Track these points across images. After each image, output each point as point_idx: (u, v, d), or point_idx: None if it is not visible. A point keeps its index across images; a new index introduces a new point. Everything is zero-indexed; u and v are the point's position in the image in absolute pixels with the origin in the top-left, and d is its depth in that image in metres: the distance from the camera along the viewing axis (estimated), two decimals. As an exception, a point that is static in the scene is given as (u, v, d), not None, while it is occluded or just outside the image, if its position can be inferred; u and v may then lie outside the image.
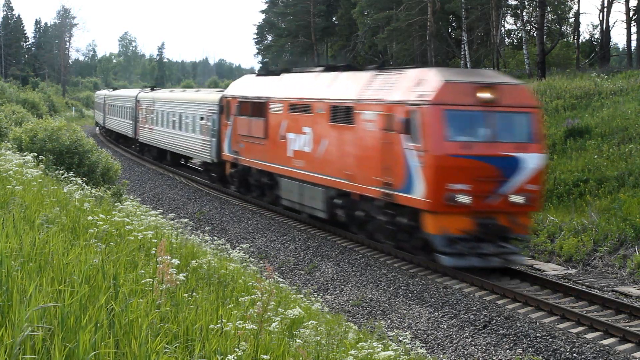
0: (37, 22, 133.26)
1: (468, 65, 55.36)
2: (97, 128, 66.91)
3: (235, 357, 4.82)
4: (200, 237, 13.58)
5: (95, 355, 4.41)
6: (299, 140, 20.29)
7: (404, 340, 8.76)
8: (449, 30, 69.15)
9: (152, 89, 44.91)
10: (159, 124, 37.12)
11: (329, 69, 21.09)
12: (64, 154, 18.49)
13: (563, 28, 63.27)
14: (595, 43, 63.61)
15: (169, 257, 6.30)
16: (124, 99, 47.63)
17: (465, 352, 12.51)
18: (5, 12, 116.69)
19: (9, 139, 19.84)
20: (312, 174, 19.66)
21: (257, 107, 23.24)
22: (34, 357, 4.16)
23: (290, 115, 20.96)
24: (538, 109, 16.35)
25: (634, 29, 53.69)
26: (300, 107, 20.41)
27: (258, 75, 26.61)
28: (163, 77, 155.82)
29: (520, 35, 59.79)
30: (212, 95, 29.40)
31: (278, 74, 23.68)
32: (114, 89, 66.31)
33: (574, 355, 11.60)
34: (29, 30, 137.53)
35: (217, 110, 27.41)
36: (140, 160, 41.34)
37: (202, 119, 29.54)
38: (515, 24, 65.44)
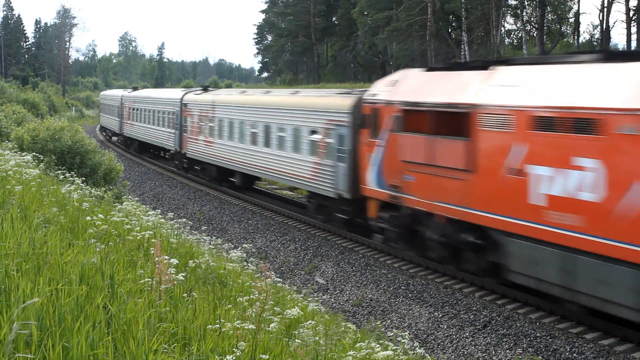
0: (37, 22, 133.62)
1: (468, 65, 55.35)
2: (101, 132, 59.63)
3: (234, 358, 4.81)
4: (199, 237, 13.57)
5: (93, 355, 4.41)
6: (564, 180, 12.14)
7: (402, 341, 8.75)
8: (449, 30, 69.21)
9: (206, 89, 33.92)
10: (224, 136, 27.55)
11: (616, 56, 12.39)
12: (65, 154, 18.49)
13: (563, 28, 63.31)
14: (595, 43, 63.67)
15: (167, 257, 6.30)
16: (160, 102, 37.22)
17: (465, 352, 12.51)
18: (5, 12, 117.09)
19: (10, 139, 19.85)
20: (604, 242, 11.46)
21: (447, 120, 15.03)
22: (32, 356, 4.15)
23: (536, 137, 12.69)
24: None
25: (634, 29, 53.71)
26: (564, 124, 12.14)
27: (432, 69, 16.82)
28: (163, 77, 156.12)
29: (520, 35, 59.80)
30: (334, 100, 20.13)
31: (485, 68, 14.84)
32: (135, 88, 52.97)
33: (574, 355, 11.60)
34: (29, 30, 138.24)
35: (348, 121, 18.76)
36: (186, 180, 33.25)
37: (313, 133, 20.66)
38: (515, 24, 65.47)
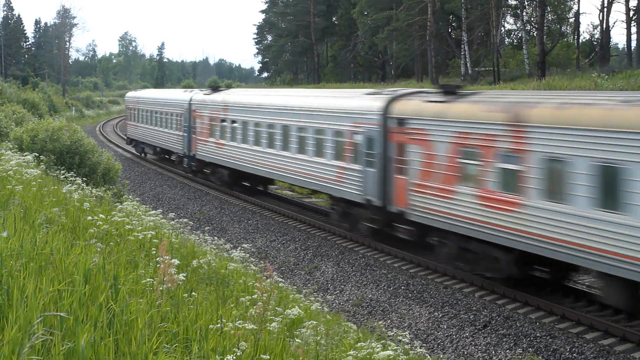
0: (37, 22, 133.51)
1: (468, 65, 55.49)
2: (127, 145, 45.49)
3: (235, 357, 4.82)
4: (200, 237, 13.57)
5: (94, 354, 4.42)
6: None
7: (403, 340, 8.76)
8: (449, 30, 69.26)
9: (452, 93, 16.63)
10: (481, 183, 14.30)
11: None
12: (64, 154, 18.50)
13: (563, 28, 63.32)
14: (595, 43, 63.67)
15: (168, 257, 6.31)
16: (314, 114, 21.08)
17: (465, 352, 12.52)
18: (5, 12, 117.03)
19: (9, 139, 19.84)
20: None
21: None
22: (35, 357, 4.17)
23: None
24: None
25: (634, 29, 53.72)
26: None
27: None
28: (163, 77, 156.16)
29: (520, 35, 59.79)
30: None
31: None
32: (215, 88, 33.14)
33: (574, 355, 11.61)
34: (29, 30, 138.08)
35: None
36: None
37: None
38: (515, 24, 65.52)
